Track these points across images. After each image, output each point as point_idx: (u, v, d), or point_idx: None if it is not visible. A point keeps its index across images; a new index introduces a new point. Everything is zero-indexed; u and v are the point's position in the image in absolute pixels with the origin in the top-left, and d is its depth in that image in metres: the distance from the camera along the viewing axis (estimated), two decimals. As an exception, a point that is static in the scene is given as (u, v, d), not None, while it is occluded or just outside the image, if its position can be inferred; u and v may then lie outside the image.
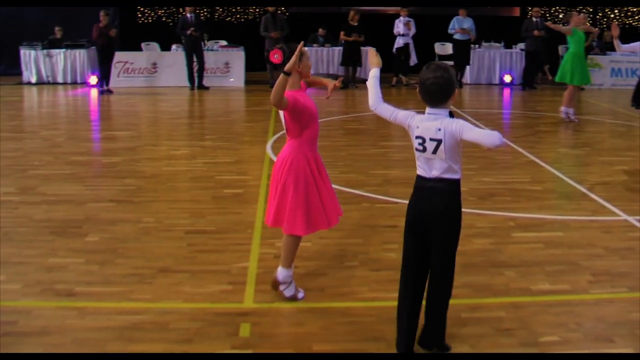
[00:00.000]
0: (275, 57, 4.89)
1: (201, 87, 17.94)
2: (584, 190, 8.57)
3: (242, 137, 11.67)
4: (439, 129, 4.11)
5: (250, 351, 4.53)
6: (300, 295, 5.30)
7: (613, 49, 18.68)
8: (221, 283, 5.58)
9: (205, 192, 8.22)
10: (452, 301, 4.69)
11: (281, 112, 5.11)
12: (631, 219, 7.47)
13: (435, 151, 4.16)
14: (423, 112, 4.22)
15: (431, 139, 4.15)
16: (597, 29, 16.16)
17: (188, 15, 17.71)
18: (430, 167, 4.23)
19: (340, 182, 8.50)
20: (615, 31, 10.21)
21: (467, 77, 19.79)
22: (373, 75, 4.58)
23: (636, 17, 23.19)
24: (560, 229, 7.11)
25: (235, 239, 6.63)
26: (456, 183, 4.31)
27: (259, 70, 19.66)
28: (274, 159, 9.56)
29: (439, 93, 4.13)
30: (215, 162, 9.74)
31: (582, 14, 14.20)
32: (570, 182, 8.97)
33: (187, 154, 10.31)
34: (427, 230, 4.29)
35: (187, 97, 16.93)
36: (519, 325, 4.96)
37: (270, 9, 18.21)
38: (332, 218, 5.22)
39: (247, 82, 18.94)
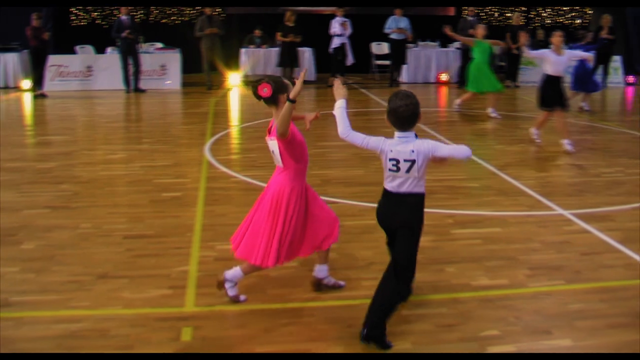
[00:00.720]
0: (264, 90, 4.84)
1: (137, 90, 17.74)
2: (521, 186, 8.71)
3: (180, 140, 11.56)
4: (413, 151, 4.54)
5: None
6: (242, 298, 5.27)
7: (545, 47, 19.06)
8: (161, 287, 5.52)
9: (143, 196, 8.12)
10: None
11: (271, 143, 5.02)
12: (566, 213, 7.61)
13: (408, 170, 4.57)
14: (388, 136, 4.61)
15: (405, 160, 4.56)
16: (504, 42, 16.68)
17: (123, 17, 17.48)
18: (400, 185, 4.65)
19: (280, 183, 8.49)
20: (523, 39, 10.83)
21: (404, 76, 19.93)
22: (340, 106, 4.80)
23: (567, 16, 23.65)
24: (498, 224, 7.21)
25: (175, 242, 6.56)
26: (422, 196, 4.72)
27: (196, 72, 19.52)
28: (212, 161, 9.53)
29: (410, 118, 4.55)
30: (153, 165, 9.63)
31: (482, 26, 14.95)
32: (507, 178, 9.10)
33: (124, 157, 10.17)
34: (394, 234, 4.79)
35: (124, 101, 16.71)
36: (460, 320, 5.02)
37: (207, 10, 18.10)
38: (303, 249, 5.18)
39: (184, 84, 18.78)
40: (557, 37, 10.72)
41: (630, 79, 20.96)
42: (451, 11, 22.34)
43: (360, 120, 13.61)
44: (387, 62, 19.99)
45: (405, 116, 4.53)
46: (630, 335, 4.85)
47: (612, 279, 5.83)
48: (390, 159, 4.61)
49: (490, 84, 14.23)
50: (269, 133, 5.00)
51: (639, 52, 23.64)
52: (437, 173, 9.13)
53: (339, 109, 4.80)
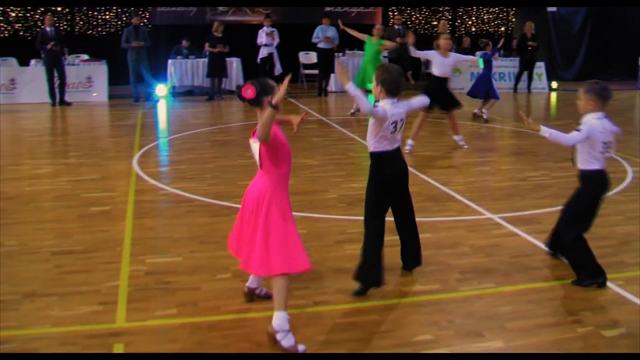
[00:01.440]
0: (248, 92, 4.73)
1: (63, 102, 17.45)
2: (450, 191, 8.82)
3: (107, 153, 11.39)
4: (403, 111, 5.53)
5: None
6: (301, 348, 4.69)
7: (471, 54, 19.40)
8: (91, 304, 5.41)
9: (71, 210, 7.97)
10: (326, 307, 5.13)
11: (254, 145, 4.85)
12: (495, 217, 7.73)
13: (400, 128, 5.56)
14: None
15: (401, 120, 5.50)
16: (395, 43, 17.02)
17: (47, 29, 17.19)
18: (393, 142, 5.56)
19: (209, 195, 8.44)
20: (411, 39, 10.93)
21: (332, 85, 20.01)
22: (355, 87, 5.25)
23: (492, 24, 24.11)
24: (429, 230, 7.28)
25: (104, 257, 6.45)
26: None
27: (122, 84, 19.30)
28: (141, 173, 9.42)
29: (402, 86, 5.59)
30: (80, 179, 9.46)
31: (379, 26, 15.65)
32: (436, 184, 9.21)
33: (51, 172, 9.98)
34: (396, 187, 5.76)
35: (49, 114, 16.41)
36: (393, 326, 5.05)
37: (134, 20, 17.94)
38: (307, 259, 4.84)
39: (111, 96, 18.57)
40: (443, 40, 11.05)
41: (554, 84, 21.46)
42: (379, 19, 22.55)
43: (288, 130, 13.59)
44: (315, 72, 20.06)
45: (400, 84, 5.53)
46: (559, 334, 4.97)
47: (540, 280, 5.95)
48: (392, 122, 5.41)
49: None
50: (253, 135, 4.90)
51: (562, 58, 24.26)
52: (366, 181, 9.18)
53: (356, 90, 5.24)
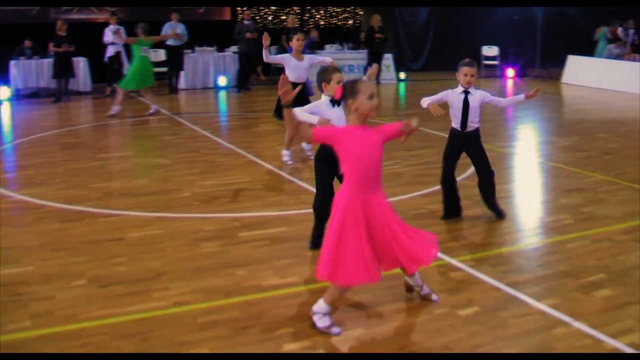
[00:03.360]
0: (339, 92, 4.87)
1: None
2: (303, 184, 8.93)
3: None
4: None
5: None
6: (335, 331, 4.87)
7: (320, 48, 19.70)
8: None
9: None
10: (187, 307, 5.10)
11: None
12: (349, 208, 7.88)
13: None
14: None
15: None
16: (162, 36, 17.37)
17: None
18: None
19: (60, 199, 8.20)
20: (266, 41, 10.09)
21: (182, 82, 19.78)
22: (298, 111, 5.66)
23: (340, 17, 24.49)
24: (285, 224, 7.35)
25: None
26: None
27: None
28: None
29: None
30: None
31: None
32: (290, 177, 9.31)
33: None
34: None
35: None
36: (255, 322, 5.06)
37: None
38: (374, 271, 4.74)
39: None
40: (296, 41, 10.39)
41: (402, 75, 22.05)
42: (227, 15, 22.47)
43: (140, 129, 13.41)
44: (164, 69, 19.76)
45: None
46: (416, 317, 5.18)
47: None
48: None
49: (143, 80, 15.13)
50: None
51: (410, 49, 24.96)
52: (221, 177, 9.19)
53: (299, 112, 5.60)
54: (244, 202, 8.20)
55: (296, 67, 10.30)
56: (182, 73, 19.59)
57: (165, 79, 19.52)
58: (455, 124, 7.28)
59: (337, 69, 6.57)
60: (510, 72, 23.29)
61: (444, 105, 7.14)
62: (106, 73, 18.30)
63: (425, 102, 7.14)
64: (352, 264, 4.64)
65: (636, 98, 18.48)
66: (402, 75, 22.15)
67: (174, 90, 19.07)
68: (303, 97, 10.43)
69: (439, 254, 6.27)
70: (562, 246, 6.80)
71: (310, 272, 5.99)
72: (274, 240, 6.82)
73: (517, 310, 5.30)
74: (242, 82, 19.40)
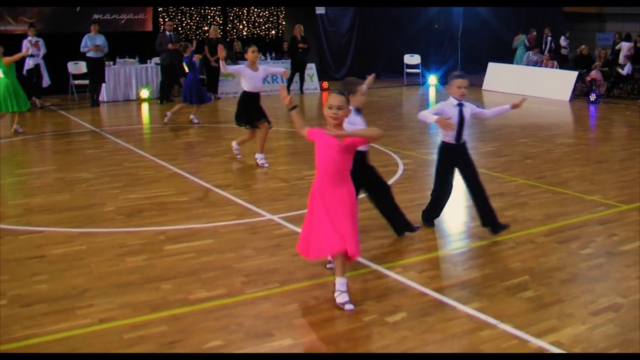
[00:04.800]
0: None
1: None
2: (229, 195, 8.88)
3: None
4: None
5: None
6: (349, 307, 5.44)
7: (242, 58, 19.59)
8: None
9: None
10: (113, 324, 5.05)
11: None
12: (275, 218, 7.88)
13: None
14: None
15: None
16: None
17: None
18: None
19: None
20: (221, 53, 10.33)
21: (104, 95, 19.43)
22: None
23: (263, 27, 24.47)
24: (210, 236, 7.29)
25: None
26: None
27: None
28: None
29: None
30: None
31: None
32: (215, 189, 9.24)
33: None
34: None
35: None
36: (183, 336, 5.01)
37: None
38: (310, 249, 5.60)
39: None
40: (251, 53, 10.65)
41: (325, 84, 22.13)
42: (149, 26, 22.19)
43: (61, 143, 13.13)
44: (85, 82, 19.41)
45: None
46: (346, 325, 5.19)
47: (322, 277, 6.12)
48: None
49: (21, 102, 14.06)
50: None
51: (332, 58, 25.10)
52: (145, 190, 9.07)
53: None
54: (168, 215, 8.10)
55: (252, 77, 10.63)
56: (104, 85, 19.26)
57: (87, 92, 19.18)
58: (449, 137, 7.19)
59: (361, 81, 6.84)
60: (432, 79, 23.58)
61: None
62: (25, 86, 17.85)
63: (429, 117, 6.93)
64: (315, 240, 5.51)
65: (555, 103, 19.02)
66: (325, 84, 22.21)
67: (95, 102, 18.73)
68: (258, 106, 10.59)
69: (366, 262, 6.32)
70: (487, 250, 6.92)
71: (239, 284, 5.96)
72: (200, 253, 6.75)
73: (444, 315, 5.37)
74: (165, 94, 19.20)
